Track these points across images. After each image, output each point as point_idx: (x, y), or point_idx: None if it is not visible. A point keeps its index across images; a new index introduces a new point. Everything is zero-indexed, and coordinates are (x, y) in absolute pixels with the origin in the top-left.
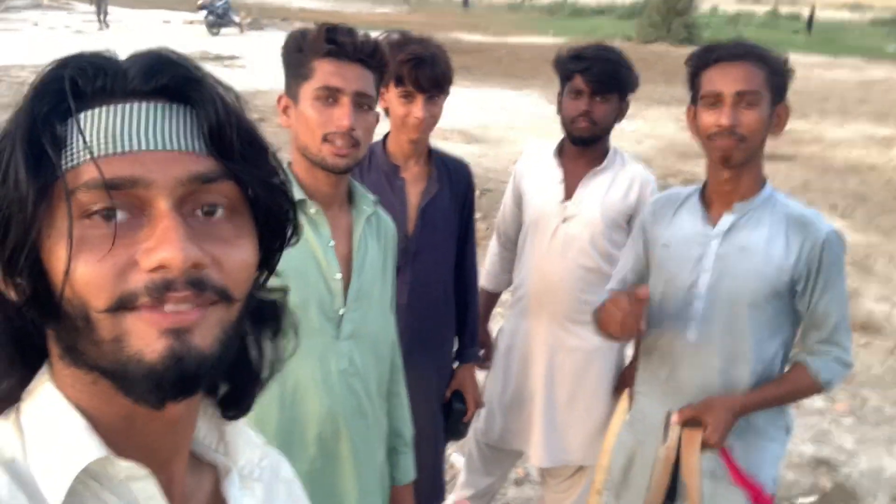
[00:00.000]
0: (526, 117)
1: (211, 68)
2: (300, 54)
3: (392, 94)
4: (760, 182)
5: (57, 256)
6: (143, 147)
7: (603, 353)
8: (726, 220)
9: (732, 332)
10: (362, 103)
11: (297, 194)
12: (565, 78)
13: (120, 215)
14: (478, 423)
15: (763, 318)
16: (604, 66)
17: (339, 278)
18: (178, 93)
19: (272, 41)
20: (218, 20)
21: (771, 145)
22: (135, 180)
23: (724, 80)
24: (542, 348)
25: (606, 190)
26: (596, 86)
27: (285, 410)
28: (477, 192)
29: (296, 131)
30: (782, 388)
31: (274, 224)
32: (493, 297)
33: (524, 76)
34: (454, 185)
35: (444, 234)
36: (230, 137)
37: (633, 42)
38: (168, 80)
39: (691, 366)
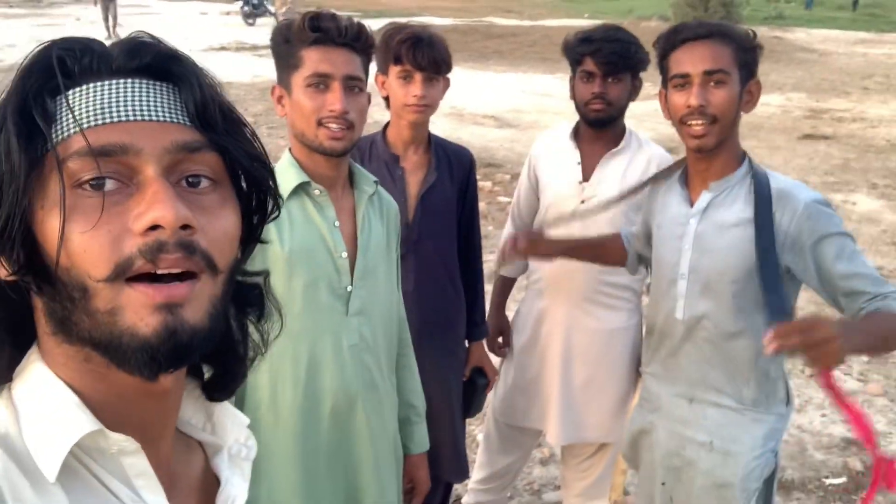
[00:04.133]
0: (559, 101)
1: (247, 58)
2: (288, 45)
3: (391, 77)
4: (737, 159)
5: (50, 226)
6: (131, 117)
7: (621, 334)
8: (704, 198)
9: (718, 309)
10: (352, 86)
11: (301, 177)
12: (575, 62)
13: (109, 184)
14: (495, 402)
15: (749, 292)
16: (613, 47)
17: (345, 257)
18: (160, 71)
19: None
20: (254, 10)
21: (809, 124)
22: (124, 147)
23: (691, 60)
24: (559, 329)
25: (624, 171)
26: (607, 67)
27: (299, 387)
28: (508, 176)
29: (292, 119)
30: (887, 321)
31: (255, 196)
32: (508, 283)
33: (558, 59)
34: (455, 171)
35: (445, 221)
36: (213, 112)
37: (669, 22)
38: (151, 58)
39: (685, 343)
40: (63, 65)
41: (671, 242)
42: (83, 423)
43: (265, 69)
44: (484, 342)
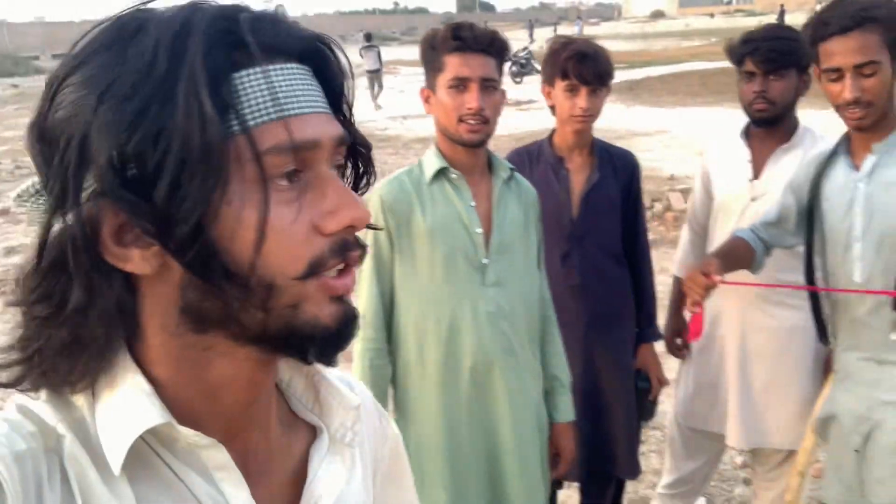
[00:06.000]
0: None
1: (510, 112)
2: (434, 51)
3: (558, 90)
4: None
5: (244, 224)
6: (308, 109)
7: (800, 332)
8: (868, 161)
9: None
10: (487, 86)
11: (441, 163)
12: (738, 63)
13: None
14: (677, 406)
15: None
16: (771, 45)
17: (479, 232)
18: (309, 58)
19: None
20: (521, 69)
21: None
22: (316, 143)
23: (841, 54)
24: (735, 329)
25: (796, 167)
26: (766, 65)
27: (442, 346)
28: None
29: (436, 115)
30: None
31: (364, 175)
32: None
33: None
34: (619, 172)
35: (608, 219)
36: (346, 101)
37: None
38: (306, 42)
39: (864, 305)
40: (250, 37)
41: (841, 210)
42: (152, 414)
43: (524, 122)
44: (654, 345)
